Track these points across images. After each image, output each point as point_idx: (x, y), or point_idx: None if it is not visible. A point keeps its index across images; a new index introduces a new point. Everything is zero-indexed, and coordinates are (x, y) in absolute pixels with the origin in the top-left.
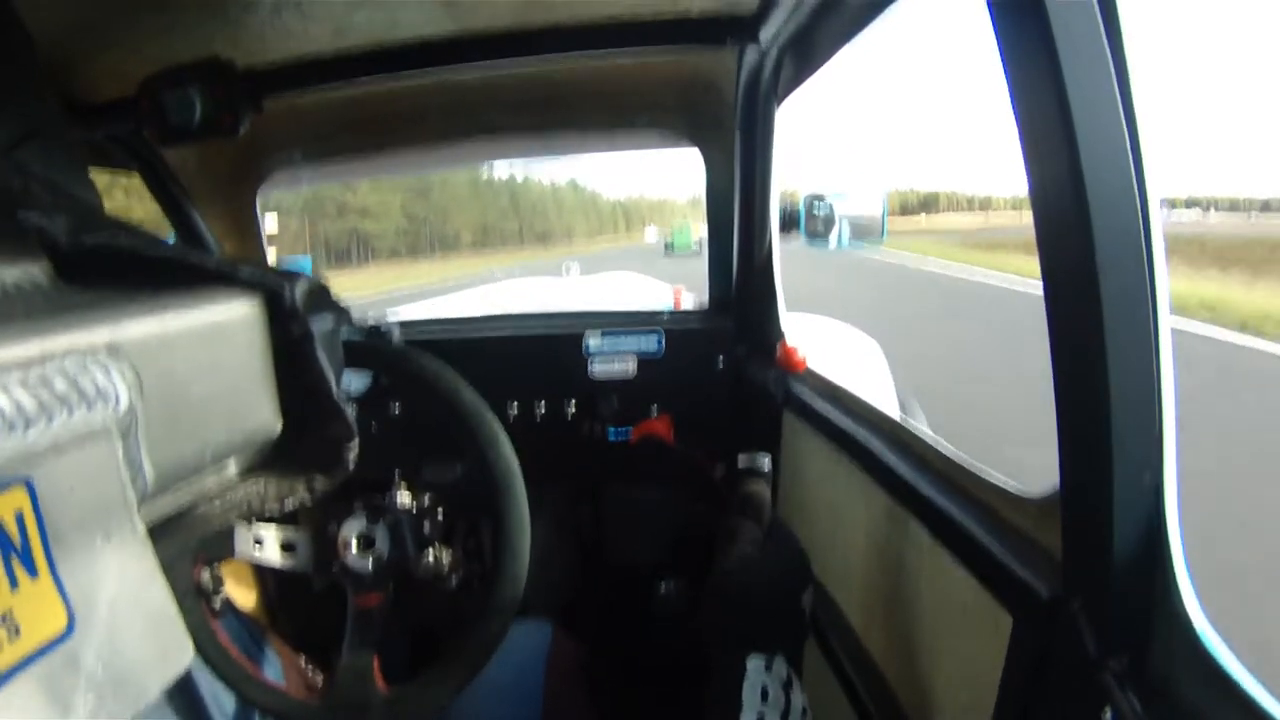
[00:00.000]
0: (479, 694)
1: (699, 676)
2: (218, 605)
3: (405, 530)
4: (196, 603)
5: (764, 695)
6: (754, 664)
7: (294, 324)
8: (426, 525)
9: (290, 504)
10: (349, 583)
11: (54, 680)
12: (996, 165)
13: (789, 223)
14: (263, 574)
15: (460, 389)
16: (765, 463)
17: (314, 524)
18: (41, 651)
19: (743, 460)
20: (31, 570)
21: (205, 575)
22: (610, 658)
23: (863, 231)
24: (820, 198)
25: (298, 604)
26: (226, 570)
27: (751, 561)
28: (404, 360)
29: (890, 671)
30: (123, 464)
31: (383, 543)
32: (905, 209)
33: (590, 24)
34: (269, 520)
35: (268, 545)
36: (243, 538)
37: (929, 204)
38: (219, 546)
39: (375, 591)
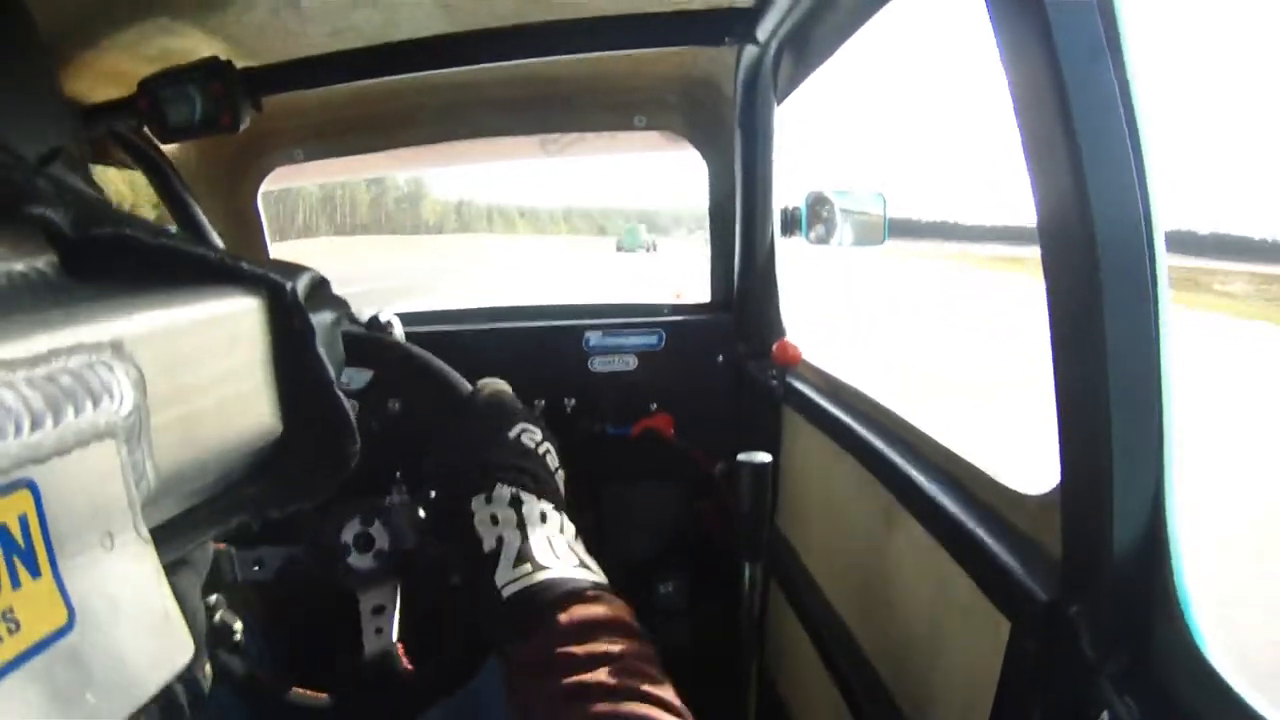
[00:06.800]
0: (468, 685)
1: (698, 670)
2: (238, 638)
3: (403, 523)
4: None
5: (494, 520)
6: (477, 501)
7: (295, 318)
8: (424, 518)
9: (291, 507)
10: (356, 584)
11: (53, 676)
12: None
13: (791, 224)
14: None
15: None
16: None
17: (311, 536)
18: (41, 646)
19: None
20: (34, 571)
21: (218, 617)
22: None
23: (865, 233)
24: (824, 200)
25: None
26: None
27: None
28: (408, 360)
29: (887, 673)
30: (126, 465)
31: (381, 539)
32: None
33: (589, 22)
34: (268, 529)
35: (268, 566)
36: (243, 561)
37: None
38: (220, 574)
39: (385, 584)
